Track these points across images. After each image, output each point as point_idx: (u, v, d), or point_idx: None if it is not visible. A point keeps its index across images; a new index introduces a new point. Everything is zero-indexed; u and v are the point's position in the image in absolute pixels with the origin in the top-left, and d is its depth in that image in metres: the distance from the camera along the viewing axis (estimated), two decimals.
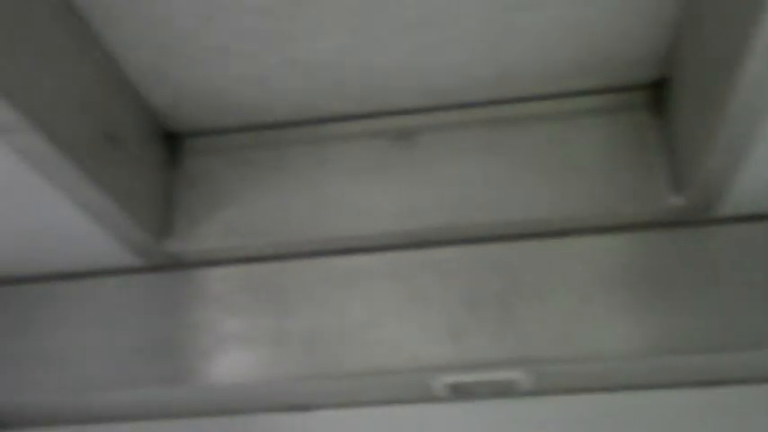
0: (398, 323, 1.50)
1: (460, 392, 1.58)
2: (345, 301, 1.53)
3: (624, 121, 1.54)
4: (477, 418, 1.66)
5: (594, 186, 1.51)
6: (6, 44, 1.11)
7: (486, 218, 1.51)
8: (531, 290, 1.50)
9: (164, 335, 1.58)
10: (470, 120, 1.57)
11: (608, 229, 1.53)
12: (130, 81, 1.47)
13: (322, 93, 1.53)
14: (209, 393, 1.63)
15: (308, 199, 1.57)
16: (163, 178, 1.59)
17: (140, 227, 1.47)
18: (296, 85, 1.50)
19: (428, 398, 1.64)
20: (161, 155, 1.60)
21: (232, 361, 1.55)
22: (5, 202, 1.41)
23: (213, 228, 1.57)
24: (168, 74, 1.46)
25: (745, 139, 1.25)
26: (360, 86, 1.52)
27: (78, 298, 1.66)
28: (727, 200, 1.44)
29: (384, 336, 1.50)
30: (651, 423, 1.63)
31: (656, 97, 1.53)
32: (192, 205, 1.60)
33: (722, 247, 1.49)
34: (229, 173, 1.61)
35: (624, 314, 1.47)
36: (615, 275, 1.50)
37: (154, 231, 1.52)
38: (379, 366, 1.48)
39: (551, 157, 1.53)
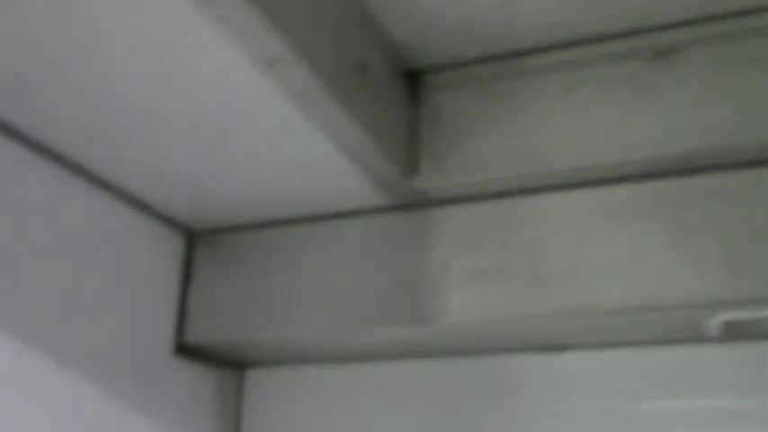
0: (667, 256, 1.38)
1: (737, 332, 1.44)
2: (606, 234, 1.43)
3: None
4: (755, 362, 1.51)
5: None
6: None
7: (765, 136, 1.36)
8: None
9: (409, 274, 1.57)
10: (742, 30, 1.40)
11: None
12: (374, 13, 1.45)
13: (572, 12, 1.42)
14: (455, 332, 1.60)
15: (560, 128, 1.48)
16: (407, 115, 1.56)
17: (392, 163, 1.45)
18: (544, 5, 1.41)
19: (698, 338, 1.51)
20: (404, 91, 1.57)
21: (480, 299, 1.49)
22: (265, 143, 1.44)
23: (460, 163, 1.53)
24: (409, 5, 1.42)
25: None
26: (613, 2, 1.40)
27: (325, 239, 1.68)
28: None
29: (651, 270, 1.38)
30: None
31: None
32: (437, 141, 1.56)
33: None
34: (474, 106, 1.56)
35: None
36: None
37: (403, 168, 1.50)
38: (646, 302, 1.37)
39: None
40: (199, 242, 1.81)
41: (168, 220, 1.75)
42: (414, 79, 1.61)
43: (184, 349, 1.75)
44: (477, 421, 1.70)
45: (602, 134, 1.45)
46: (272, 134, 1.41)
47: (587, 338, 1.59)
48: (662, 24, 1.45)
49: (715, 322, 1.41)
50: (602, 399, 1.61)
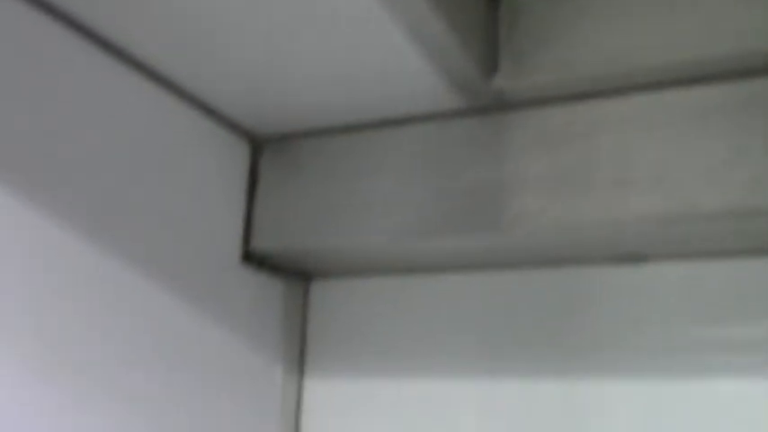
0: (765, 159, 1.30)
1: None
2: (697, 136, 1.35)
3: None
4: None
5: None
6: None
7: None
8: None
9: (483, 180, 1.50)
10: None
11: None
12: None
13: None
14: (530, 241, 1.53)
15: (649, 23, 1.37)
16: (485, 13, 1.48)
17: (471, 60, 1.38)
18: None
19: None
20: None
21: (559, 205, 1.42)
22: (338, 37, 1.37)
23: (542, 62, 1.45)
24: None
25: None
26: None
27: (394, 144, 1.63)
28: None
29: (747, 173, 1.30)
30: None
31: None
32: (517, 40, 1.48)
33: None
34: (556, 3, 1.46)
35: None
36: None
37: (481, 67, 1.43)
38: (740, 206, 1.29)
39: None
40: (264, 149, 1.78)
41: (234, 126, 1.71)
42: None
43: (251, 257, 1.74)
44: (548, 336, 1.66)
45: (696, 29, 1.35)
46: (346, 27, 1.33)
47: (673, 248, 1.52)
48: None
49: None
50: (686, 315, 1.54)
